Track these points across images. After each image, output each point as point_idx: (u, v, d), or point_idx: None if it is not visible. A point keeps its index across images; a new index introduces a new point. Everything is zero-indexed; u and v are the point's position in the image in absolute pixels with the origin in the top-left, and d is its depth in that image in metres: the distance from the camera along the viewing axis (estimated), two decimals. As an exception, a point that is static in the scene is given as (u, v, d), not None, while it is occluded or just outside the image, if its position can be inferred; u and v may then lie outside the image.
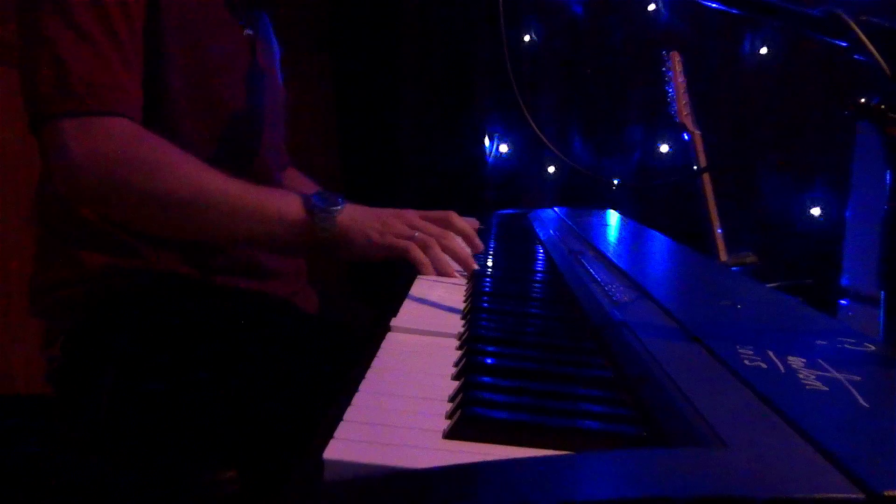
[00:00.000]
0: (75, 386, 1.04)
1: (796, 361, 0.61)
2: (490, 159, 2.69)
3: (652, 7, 2.59)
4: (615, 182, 2.60)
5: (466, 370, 0.65)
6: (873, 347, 0.69)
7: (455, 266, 1.08)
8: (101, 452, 0.97)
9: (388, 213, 1.08)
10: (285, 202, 1.04)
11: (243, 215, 1.03)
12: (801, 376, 0.57)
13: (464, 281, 1.06)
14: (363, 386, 0.61)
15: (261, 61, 1.25)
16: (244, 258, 1.16)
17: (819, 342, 0.69)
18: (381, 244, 1.05)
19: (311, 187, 1.57)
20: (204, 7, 1.13)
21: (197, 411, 0.95)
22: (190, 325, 1.03)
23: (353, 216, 1.05)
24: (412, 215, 1.10)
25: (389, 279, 1.36)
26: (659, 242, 1.48)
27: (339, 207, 1.04)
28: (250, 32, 1.23)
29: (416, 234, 1.06)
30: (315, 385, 0.80)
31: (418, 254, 1.05)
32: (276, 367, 0.97)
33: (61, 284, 1.08)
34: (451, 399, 0.59)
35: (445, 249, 1.07)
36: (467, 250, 1.11)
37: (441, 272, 1.05)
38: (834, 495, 0.39)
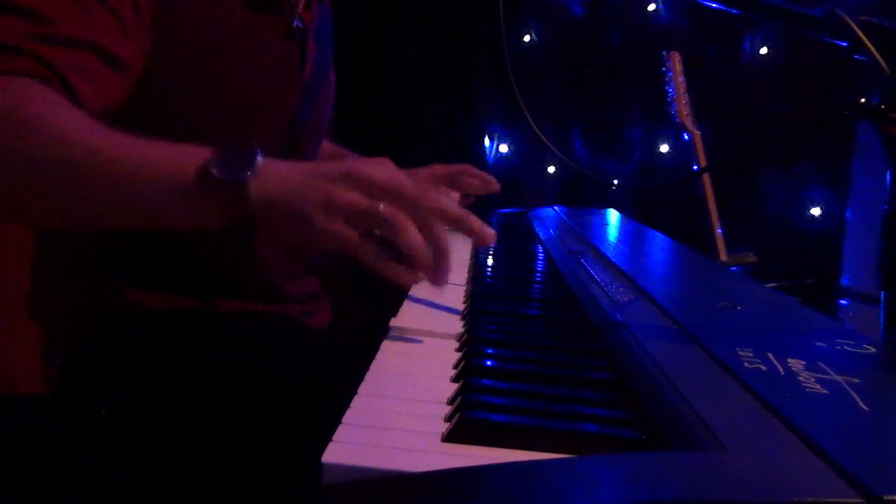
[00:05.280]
0: (74, 409, 1.00)
1: (796, 364, 0.61)
2: (490, 159, 2.69)
3: (652, 7, 2.58)
4: (615, 182, 2.60)
5: (465, 372, 0.65)
6: (873, 349, 0.68)
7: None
8: (100, 461, 0.96)
9: (335, 176, 0.72)
10: (174, 163, 0.73)
11: (119, 181, 0.74)
12: (800, 379, 0.57)
13: (464, 281, 1.06)
14: (362, 388, 0.60)
15: (309, 71, 1.07)
16: (252, 282, 1.04)
17: (819, 344, 0.69)
18: (328, 231, 0.71)
19: (340, 153, 1.43)
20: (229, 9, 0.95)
21: (195, 429, 0.94)
22: (189, 348, 0.98)
23: (278, 183, 0.72)
24: (376, 172, 0.72)
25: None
26: (659, 242, 1.48)
27: (249, 172, 0.71)
28: (299, 25, 1.04)
29: (381, 206, 0.71)
30: (314, 396, 0.79)
31: (372, 257, 0.72)
32: (276, 386, 0.95)
33: (60, 296, 1.05)
34: (450, 402, 0.59)
35: (412, 242, 0.72)
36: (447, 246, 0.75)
37: (406, 274, 0.74)
38: (834, 499, 0.38)
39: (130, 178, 0.74)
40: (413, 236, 0.71)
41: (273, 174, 0.73)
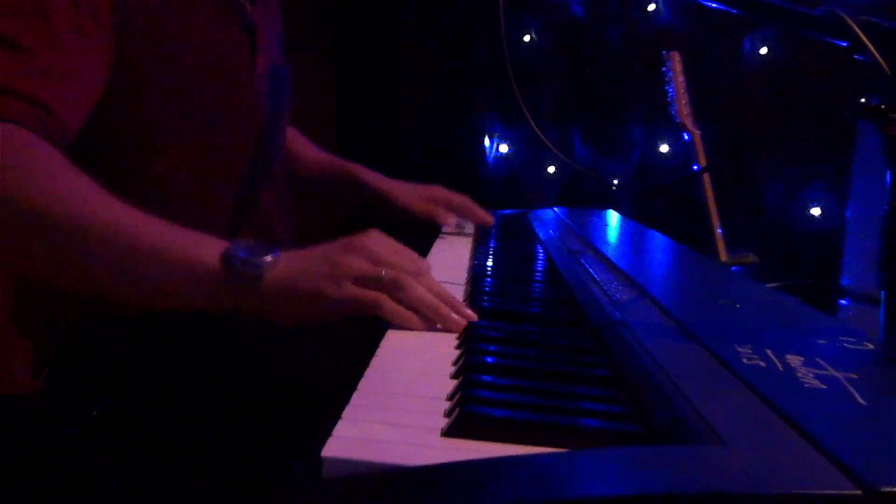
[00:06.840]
0: (64, 418, 1.00)
1: (794, 360, 0.61)
2: (490, 159, 2.69)
3: (652, 7, 2.59)
4: (615, 182, 2.60)
5: (465, 369, 0.65)
6: (872, 346, 0.69)
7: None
8: (93, 465, 0.95)
9: (336, 249, 0.79)
10: (195, 245, 0.77)
11: (137, 255, 0.76)
12: (799, 374, 0.58)
13: (464, 281, 1.06)
14: (362, 384, 0.61)
15: (261, 61, 1.10)
16: None
17: (818, 341, 0.69)
18: (341, 298, 0.75)
19: (310, 147, 1.47)
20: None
21: (192, 429, 0.93)
22: (180, 347, 0.98)
23: (290, 268, 0.77)
24: (373, 243, 0.80)
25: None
26: (659, 242, 1.48)
27: (266, 261, 0.76)
28: (251, 20, 1.08)
29: (384, 271, 0.77)
30: (312, 391, 0.79)
31: (393, 306, 0.77)
32: (272, 381, 0.95)
33: (44, 306, 1.04)
34: (450, 397, 0.59)
35: (421, 295, 0.78)
36: (451, 295, 0.82)
37: (423, 322, 0.78)
38: (832, 492, 0.39)
39: (147, 256, 0.76)
40: (419, 291, 0.78)
41: (287, 261, 0.78)
